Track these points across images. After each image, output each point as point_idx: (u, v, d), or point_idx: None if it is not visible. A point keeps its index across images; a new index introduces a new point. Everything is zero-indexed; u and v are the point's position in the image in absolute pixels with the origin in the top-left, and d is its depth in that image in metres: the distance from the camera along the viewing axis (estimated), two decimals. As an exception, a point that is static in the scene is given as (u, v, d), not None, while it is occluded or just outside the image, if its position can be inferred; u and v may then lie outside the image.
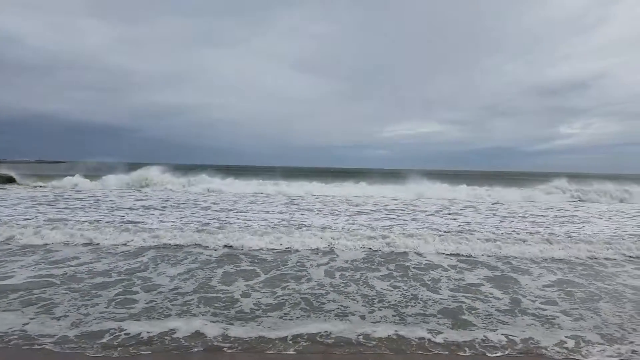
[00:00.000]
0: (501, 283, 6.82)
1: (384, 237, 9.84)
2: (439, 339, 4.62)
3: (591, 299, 6.10)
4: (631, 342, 4.62)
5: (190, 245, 9.00)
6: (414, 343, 4.51)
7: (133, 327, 4.72)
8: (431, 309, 5.55)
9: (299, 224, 12.21)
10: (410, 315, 5.29)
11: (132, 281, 6.49)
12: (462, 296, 6.10)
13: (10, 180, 27.29)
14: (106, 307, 5.35)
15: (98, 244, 8.95)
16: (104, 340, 4.42)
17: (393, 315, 5.28)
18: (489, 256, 8.61)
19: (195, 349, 4.25)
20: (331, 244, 9.19)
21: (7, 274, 6.74)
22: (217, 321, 4.96)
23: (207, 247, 8.87)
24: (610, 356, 4.30)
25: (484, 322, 5.14)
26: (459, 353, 4.31)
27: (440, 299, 5.97)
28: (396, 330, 4.80)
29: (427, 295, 6.09)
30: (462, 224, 13.31)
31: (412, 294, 6.13)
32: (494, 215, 16.19)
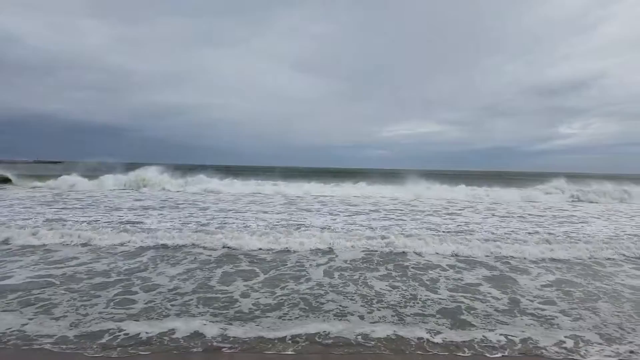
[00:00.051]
0: (500, 283, 6.83)
1: (383, 237, 9.85)
2: (438, 339, 4.63)
3: (590, 299, 6.11)
4: (630, 342, 4.63)
5: (190, 245, 8.99)
6: (413, 343, 4.51)
7: (132, 328, 4.72)
8: (430, 309, 5.56)
9: (298, 224, 12.22)
10: (409, 315, 5.30)
11: (132, 281, 6.48)
12: (461, 296, 6.11)
13: (5, 180, 27.09)
14: (105, 308, 5.35)
15: (97, 245, 8.93)
16: (103, 340, 4.42)
17: (392, 316, 5.28)
18: (488, 256, 8.62)
19: (195, 350, 4.25)
20: (330, 244, 9.18)
21: (6, 274, 6.73)
22: (216, 321, 4.96)
23: (207, 247, 8.87)
24: (609, 356, 4.31)
25: (483, 322, 5.14)
26: (458, 353, 4.31)
27: (439, 299, 5.98)
28: (395, 331, 4.80)
29: (426, 295, 6.10)
30: (460, 224, 13.33)
31: (411, 294, 6.14)
32: (493, 215, 16.21)
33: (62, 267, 7.18)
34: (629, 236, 11.29)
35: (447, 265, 7.94)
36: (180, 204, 17.48)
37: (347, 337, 4.62)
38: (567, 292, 6.45)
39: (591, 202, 23.96)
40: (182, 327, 4.76)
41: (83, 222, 11.70)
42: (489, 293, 6.29)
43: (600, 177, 35.01)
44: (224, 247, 8.87)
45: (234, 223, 12.16)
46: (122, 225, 11.19)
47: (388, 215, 15.20)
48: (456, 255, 8.69)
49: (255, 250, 8.69)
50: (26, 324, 4.77)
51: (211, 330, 4.71)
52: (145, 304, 5.51)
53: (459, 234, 11.16)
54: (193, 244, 9.03)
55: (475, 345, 4.49)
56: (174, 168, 31.79)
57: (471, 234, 11.10)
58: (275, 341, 4.48)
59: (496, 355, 4.28)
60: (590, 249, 9.13)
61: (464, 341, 4.58)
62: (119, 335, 4.53)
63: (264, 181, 29.37)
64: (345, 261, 8.03)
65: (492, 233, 11.48)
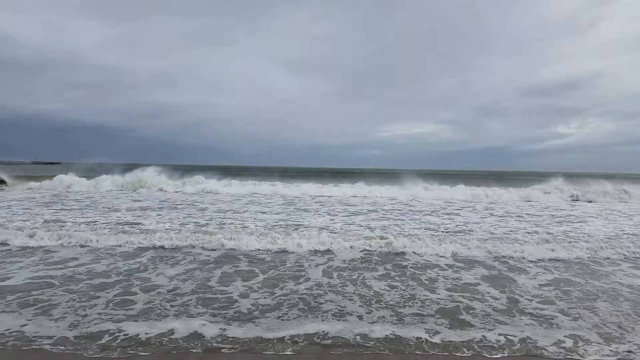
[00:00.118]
0: (498, 282, 6.85)
1: (382, 237, 9.86)
2: (436, 339, 4.63)
3: (588, 298, 6.13)
4: (629, 342, 4.64)
5: (189, 245, 8.99)
6: (411, 343, 4.52)
7: (131, 328, 4.72)
8: (429, 309, 5.57)
9: (297, 225, 12.22)
10: (407, 315, 5.31)
11: (131, 282, 6.48)
12: (460, 296, 6.12)
13: (1, 182, 26.80)
14: (105, 308, 5.34)
15: (96, 246, 8.92)
16: (103, 341, 4.42)
17: (391, 316, 5.29)
18: (486, 255, 8.64)
19: (194, 350, 4.25)
20: (329, 244, 9.18)
21: (6, 275, 6.72)
22: (216, 322, 4.96)
23: (206, 247, 8.86)
24: (608, 355, 4.32)
25: (482, 322, 5.15)
26: (457, 354, 4.32)
27: (438, 298, 5.98)
28: (394, 331, 4.80)
29: (425, 295, 6.11)
30: (459, 223, 13.36)
31: (409, 294, 6.15)
32: (491, 215, 16.25)
33: (61, 268, 7.17)
34: (628, 235, 11.32)
35: (445, 265, 7.95)
36: (178, 205, 17.48)
37: (346, 337, 4.62)
38: (566, 291, 6.47)
39: (589, 201, 24.03)
40: (182, 327, 4.76)
41: (82, 223, 11.69)
42: (488, 293, 6.30)
43: (597, 177, 35.09)
44: (223, 247, 8.86)
45: (232, 223, 12.16)
46: (120, 226, 11.19)
47: (386, 215, 15.22)
48: (455, 255, 8.70)
49: (254, 251, 8.69)
50: (25, 325, 4.76)
51: (210, 330, 4.71)
52: (145, 304, 5.51)
53: (458, 233, 11.18)
54: (192, 245, 9.02)
55: (474, 345, 4.50)
56: (172, 168, 31.76)
57: (469, 234, 11.12)
58: (274, 341, 4.48)
59: (495, 356, 4.28)
60: (589, 249, 9.15)
61: (462, 341, 4.58)
62: (119, 336, 4.53)
63: (262, 181, 29.38)
64: (344, 261, 8.04)
65: (491, 233, 11.50)
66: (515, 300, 6.00)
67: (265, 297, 5.88)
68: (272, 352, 4.24)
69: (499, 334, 4.78)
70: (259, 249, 8.79)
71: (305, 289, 6.31)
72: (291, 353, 4.25)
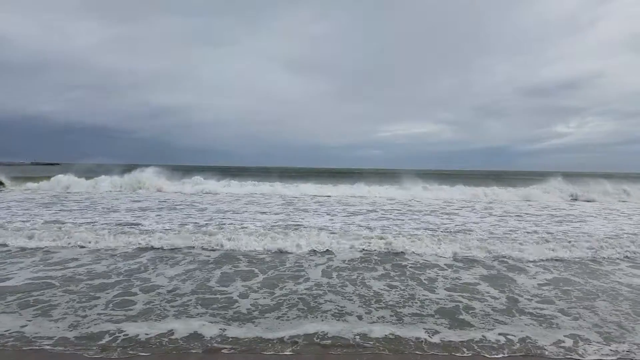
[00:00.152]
0: (498, 282, 6.85)
1: (381, 237, 9.86)
2: (436, 339, 4.64)
3: (588, 298, 6.14)
4: (629, 341, 4.65)
5: (188, 246, 8.98)
6: (411, 343, 4.52)
7: (131, 329, 4.72)
8: (428, 308, 5.57)
9: (296, 225, 12.22)
10: (407, 315, 5.31)
11: (131, 282, 6.48)
12: (459, 296, 6.13)
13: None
14: (105, 309, 5.34)
15: (96, 246, 8.92)
16: (103, 341, 4.42)
17: (390, 316, 5.29)
18: (486, 255, 8.64)
19: (194, 351, 4.25)
20: (328, 244, 9.18)
21: (6, 276, 6.72)
22: (215, 322, 4.97)
23: (205, 248, 8.86)
24: (607, 355, 4.33)
25: (482, 321, 5.16)
26: (457, 354, 4.32)
27: (438, 298, 5.99)
28: (393, 331, 4.81)
29: (424, 295, 6.11)
30: (458, 223, 13.37)
31: (409, 294, 6.15)
32: (490, 214, 16.26)
33: (61, 269, 7.17)
34: (628, 235, 11.33)
35: (445, 264, 7.96)
36: (177, 205, 17.48)
37: (346, 337, 4.63)
38: (566, 291, 6.48)
39: (588, 200, 24.04)
40: (181, 328, 4.76)
41: (81, 224, 11.69)
42: (487, 292, 6.31)
43: (596, 176, 35.08)
44: (222, 247, 8.86)
45: (232, 224, 12.15)
46: (120, 227, 11.19)
47: (386, 215, 15.23)
48: (454, 254, 8.70)
49: (253, 251, 8.70)
50: (25, 326, 4.77)
51: (210, 331, 4.71)
52: (145, 305, 5.51)
53: (457, 233, 11.19)
54: (192, 245, 9.02)
55: (474, 345, 4.50)
56: (171, 169, 31.75)
57: (469, 234, 11.13)
58: (274, 341, 4.48)
59: (495, 356, 4.29)
60: (589, 248, 9.16)
61: (462, 341, 4.59)
62: (119, 337, 4.53)
63: (261, 182, 29.37)
64: (344, 261, 8.05)
65: (490, 232, 11.51)
66: (515, 299, 6.00)
67: (264, 298, 5.89)
68: (271, 353, 4.25)
69: (499, 334, 4.78)
70: (258, 250, 8.79)
71: (305, 289, 6.32)
72: (291, 353, 4.25)
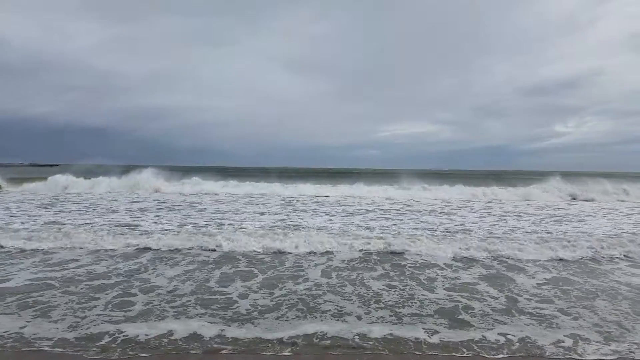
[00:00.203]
0: (497, 282, 6.86)
1: (380, 237, 9.87)
2: (435, 339, 4.64)
3: (587, 297, 6.14)
4: (629, 341, 4.66)
5: (188, 246, 8.97)
6: (410, 343, 4.52)
7: (131, 329, 4.72)
8: (428, 308, 5.57)
9: (295, 225, 12.23)
10: (406, 316, 5.31)
11: (131, 283, 6.48)
12: (458, 295, 6.13)
13: None
14: (104, 310, 5.34)
15: (96, 247, 8.91)
16: (102, 342, 4.42)
17: (390, 316, 5.30)
18: (485, 255, 8.64)
19: (193, 351, 4.25)
20: (327, 244, 9.17)
21: (5, 277, 6.71)
22: (215, 323, 4.97)
23: (205, 248, 8.86)
24: (607, 354, 4.33)
25: (481, 321, 5.16)
26: (457, 354, 4.33)
27: (437, 298, 5.99)
28: (393, 331, 4.81)
29: (424, 295, 6.11)
30: (457, 223, 13.37)
31: (408, 294, 6.16)
32: (489, 214, 16.27)
33: (61, 270, 7.17)
34: (627, 234, 11.34)
35: (444, 264, 7.96)
36: (176, 206, 17.47)
37: (345, 337, 4.63)
38: (565, 290, 6.48)
39: (586, 200, 24.05)
40: (181, 328, 4.76)
41: (81, 224, 11.69)
42: (487, 292, 6.31)
43: (595, 175, 35.12)
44: (222, 248, 8.85)
45: (231, 224, 12.15)
46: (120, 228, 11.18)
47: (385, 215, 15.24)
48: (453, 254, 8.70)
49: (253, 251, 8.69)
50: (25, 327, 4.76)
51: (209, 331, 4.71)
52: (144, 305, 5.51)
53: (456, 233, 11.20)
54: (191, 246, 9.01)
55: (474, 345, 4.50)
56: (169, 170, 31.74)
57: (468, 233, 11.14)
58: (274, 342, 4.48)
59: (495, 356, 4.29)
60: (588, 247, 9.17)
61: (462, 341, 4.59)
62: (118, 337, 4.53)
63: (260, 182, 29.36)
64: (343, 261, 8.05)
65: (489, 232, 11.52)
66: (514, 299, 6.01)
67: (264, 298, 5.89)
68: (271, 353, 4.25)
69: (498, 334, 4.79)
70: (257, 250, 8.79)
71: (304, 289, 6.32)
72: (290, 354, 4.25)
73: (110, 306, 5.47)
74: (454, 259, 8.37)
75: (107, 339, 4.50)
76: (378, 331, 4.79)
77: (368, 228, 11.94)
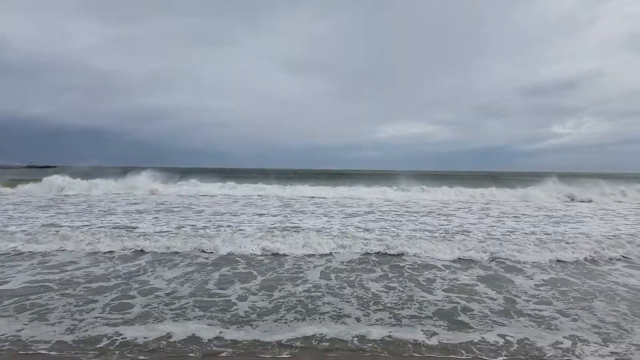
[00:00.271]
0: (496, 283, 6.86)
1: (379, 238, 9.87)
2: (434, 341, 4.64)
3: (585, 298, 6.15)
4: (627, 342, 4.66)
5: (187, 248, 8.95)
6: (409, 345, 4.52)
7: (130, 332, 4.70)
8: (427, 310, 5.57)
9: (294, 227, 12.22)
10: (405, 317, 5.31)
11: (129, 285, 6.46)
12: (457, 297, 6.13)
13: None
14: (103, 312, 5.32)
15: (94, 249, 8.88)
16: (101, 345, 4.40)
17: (389, 317, 5.29)
18: (483, 256, 8.64)
19: (191, 354, 4.24)
20: (326, 246, 9.17)
21: (3, 279, 6.68)
22: (214, 325, 4.96)
23: (203, 250, 8.83)
24: (606, 356, 4.34)
25: (480, 323, 5.16)
26: (455, 356, 4.32)
27: (436, 300, 5.99)
28: (392, 333, 4.81)
29: (423, 297, 6.11)
30: (456, 225, 13.38)
31: (407, 296, 6.15)
32: (487, 215, 16.28)
33: (59, 272, 7.14)
34: (624, 235, 11.36)
35: (442, 265, 7.96)
36: (175, 208, 17.44)
37: (344, 339, 4.62)
38: (563, 291, 6.49)
39: (584, 201, 24.09)
40: (180, 331, 4.74)
41: (79, 227, 11.66)
42: (485, 293, 6.31)
43: (592, 176, 35.20)
44: (220, 250, 8.83)
45: (229, 226, 12.14)
46: (118, 230, 11.15)
47: (383, 217, 15.23)
48: (452, 255, 8.69)
49: (251, 253, 8.68)
50: (22, 330, 4.74)
51: (208, 334, 4.70)
52: (143, 308, 5.49)
53: (455, 234, 11.20)
54: (190, 248, 8.99)
55: (473, 347, 4.50)
56: (168, 171, 31.72)
57: (466, 235, 11.14)
58: (273, 344, 4.47)
59: (494, 358, 4.29)
60: (586, 249, 9.18)
61: (461, 343, 4.59)
62: (117, 340, 4.51)
63: (258, 184, 29.33)
64: (342, 263, 8.04)
65: (488, 233, 11.53)
66: (513, 300, 6.01)
67: (263, 300, 5.88)
68: (270, 356, 4.24)
69: (497, 335, 4.79)
70: (256, 252, 8.77)
71: (303, 291, 6.31)
72: (289, 356, 4.24)
73: (108, 309, 5.46)
74: (452, 261, 8.37)
75: (105, 341, 4.49)
76: (377, 333, 4.78)
77: (367, 229, 11.94)
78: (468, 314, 5.46)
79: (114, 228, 11.48)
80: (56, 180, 25.75)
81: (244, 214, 15.60)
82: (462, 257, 8.60)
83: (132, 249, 8.91)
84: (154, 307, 5.51)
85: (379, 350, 4.39)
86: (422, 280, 6.96)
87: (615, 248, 9.34)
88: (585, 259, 8.63)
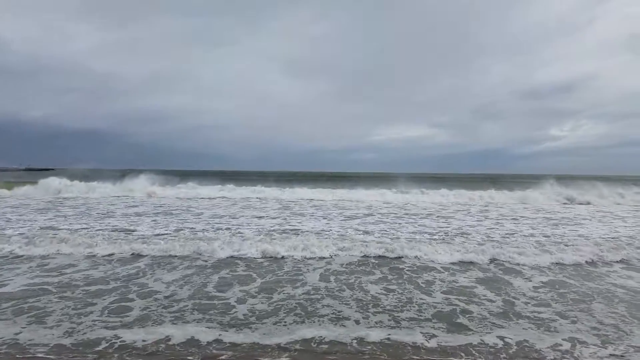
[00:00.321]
0: (494, 285, 6.86)
1: (378, 241, 9.87)
2: (434, 343, 4.63)
3: (584, 300, 6.15)
4: (626, 344, 4.66)
5: (186, 251, 8.93)
6: (408, 348, 4.52)
7: (128, 335, 4.70)
8: (426, 312, 5.57)
9: (293, 229, 12.22)
10: (405, 320, 5.31)
11: (128, 288, 6.45)
12: (456, 299, 6.13)
13: None
14: (101, 315, 5.31)
15: (93, 252, 8.86)
16: (99, 348, 4.39)
17: (388, 320, 5.29)
18: (482, 258, 8.64)
19: (190, 357, 4.23)
20: (325, 248, 9.16)
21: (1, 282, 6.66)
22: (213, 328, 4.95)
23: (202, 253, 8.81)
24: (604, 358, 4.34)
25: (479, 325, 5.16)
26: (454, 358, 4.32)
27: (435, 302, 5.99)
28: (391, 335, 4.81)
29: (422, 299, 6.11)
30: (454, 227, 13.39)
31: (406, 298, 6.15)
32: (486, 218, 16.30)
33: (57, 275, 7.12)
34: (622, 237, 11.38)
35: (441, 268, 7.97)
36: (173, 210, 17.42)
37: (343, 342, 4.62)
38: (562, 293, 6.49)
39: (581, 203, 24.13)
40: (179, 334, 4.74)
41: (77, 229, 11.64)
42: (484, 296, 6.31)
43: (590, 179, 35.29)
44: (219, 252, 8.81)
45: (228, 228, 12.14)
46: (117, 233, 11.14)
47: (382, 219, 15.25)
48: (451, 258, 8.69)
49: (251, 256, 8.67)
50: (20, 333, 4.73)
51: (207, 336, 4.69)
52: (142, 311, 5.48)
53: (454, 237, 11.21)
54: (188, 250, 8.97)
55: (472, 349, 4.50)
56: (167, 174, 31.70)
57: (465, 237, 11.15)
58: (272, 347, 4.47)
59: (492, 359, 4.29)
60: (584, 251, 9.18)
61: (460, 345, 4.59)
62: (115, 343, 4.50)
63: (257, 186, 29.34)
64: (341, 265, 8.04)
65: (487, 236, 11.54)
66: (512, 303, 6.01)
67: (262, 303, 5.87)
68: (269, 359, 4.23)
69: (497, 337, 4.79)
70: (255, 254, 8.76)
71: (303, 293, 6.31)
72: (288, 359, 4.23)
73: (107, 311, 5.44)
74: (451, 263, 8.37)
75: (103, 344, 4.48)
76: (376, 335, 4.78)
77: (366, 232, 11.94)
78: (467, 316, 5.47)
79: (112, 231, 11.47)
80: (54, 182, 25.71)
81: (243, 216, 15.59)
82: (461, 260, 8.60)
83: (130, 251, 8.88)
84: (153, 310, 5.50)
85: (378, 353, 4.38)
86: (422, 283, 6.96)
87: (614, 250, 9.34)
88: (584, 261, 8.62)
